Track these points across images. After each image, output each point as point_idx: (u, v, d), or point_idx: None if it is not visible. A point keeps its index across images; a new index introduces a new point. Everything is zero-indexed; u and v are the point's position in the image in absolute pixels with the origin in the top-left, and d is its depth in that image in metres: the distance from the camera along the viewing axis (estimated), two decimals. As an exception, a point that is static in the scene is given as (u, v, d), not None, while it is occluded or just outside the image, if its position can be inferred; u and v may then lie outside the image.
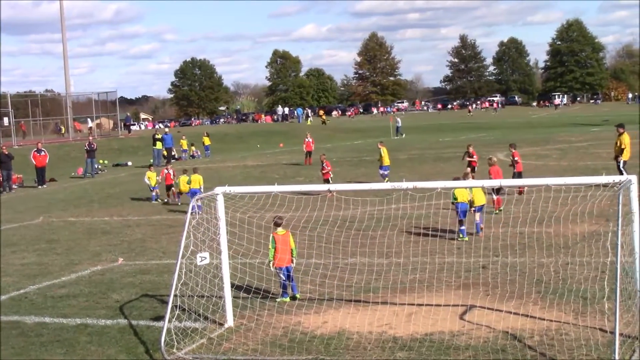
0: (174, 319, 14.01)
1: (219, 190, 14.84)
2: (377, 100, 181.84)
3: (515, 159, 29.71)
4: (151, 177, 35.76)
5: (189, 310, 15.07)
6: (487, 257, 18.72)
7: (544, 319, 13.84)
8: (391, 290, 16.12)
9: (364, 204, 24.82)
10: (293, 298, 16.39)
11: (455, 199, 20.95)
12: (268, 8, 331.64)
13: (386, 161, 36.69)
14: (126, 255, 22.56)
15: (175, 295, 13.92)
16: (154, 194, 35.56)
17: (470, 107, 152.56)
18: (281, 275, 16.39)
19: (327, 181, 25.41)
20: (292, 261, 16.66)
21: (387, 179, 35.25)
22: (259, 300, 15.96)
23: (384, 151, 36.46)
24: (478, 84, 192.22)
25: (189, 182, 31.45)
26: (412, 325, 13.96)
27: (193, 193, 28.63)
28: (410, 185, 13.98)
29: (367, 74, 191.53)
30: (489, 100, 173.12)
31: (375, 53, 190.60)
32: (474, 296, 15.49)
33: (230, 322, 14.86)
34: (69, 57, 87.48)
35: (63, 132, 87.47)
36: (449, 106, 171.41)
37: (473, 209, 21.22)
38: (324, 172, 32.11)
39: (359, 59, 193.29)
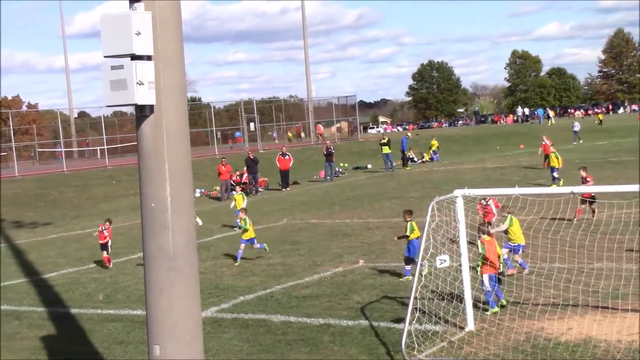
0: (414, 321, 14.02)
1: (458, 192, 14.72)
2: (623, 99, 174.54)
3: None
4: None
5: (429, 312, 15.01)
6: None
7: None
8: (641, 297, 15.37)
9: (610, 206, 23.82)
10: (502, 306, 15.93)
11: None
12: (508, 8, 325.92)
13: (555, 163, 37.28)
14: (366, 257, 22.85)
15: (415, 298, 13.92)
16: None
17: None
18: (486, 284, 15.97)
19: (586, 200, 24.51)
20: (499, 268, 16.31)
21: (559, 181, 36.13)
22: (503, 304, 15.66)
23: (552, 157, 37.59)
24: None
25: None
26: (664, 334, 13.23)
27: None
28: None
29: (613, 71, 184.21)
30: None
31: (621, 50, 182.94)
32: None
33: (471, 325, 14.70)
34: (311, 62, 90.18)
35: (304, 136, 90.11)
36: None
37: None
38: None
39: (603, 57, 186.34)
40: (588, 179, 26.63)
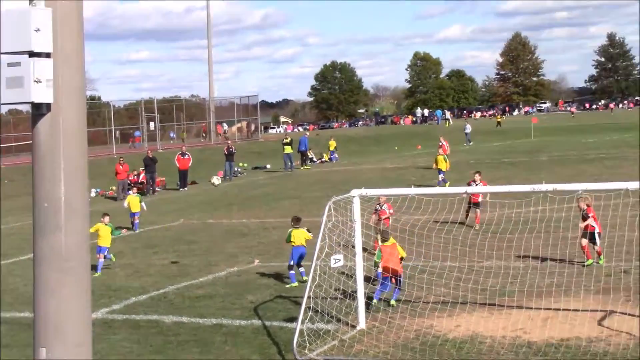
0: (306, 321, 14.08)
1: (355, 192, 14.85)
2: (518, 101, 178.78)
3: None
4: None
5: (322, 312, 15.10)
6: (629, 262, 18.04)
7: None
8: (527, 294, 15.76)
9: (501, 206, 24.37)
10: (391, 306, 16.22)
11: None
12: (412, 10, 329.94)
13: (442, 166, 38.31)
14: (262, 257, 22.86)
15: (309, 297, 13.99)
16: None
17: (611, 106, 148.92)
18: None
19: (476, 204, 24.91)
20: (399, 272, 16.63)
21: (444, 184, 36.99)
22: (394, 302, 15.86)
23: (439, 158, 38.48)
24: (625, 83, 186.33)
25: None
26: (547, 330, 13.61)
27: None
28: (550, 187, 13.66)
29: (510, 74, 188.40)
30: (636, 100, 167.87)
31: (518, 53, 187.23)
32: (614, 302, 14.95)
33: (362, 324, 14.84)
34: (215, 62, 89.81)
35: (205, 136, 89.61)
36: (594, 106, 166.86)
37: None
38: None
39: (501, 60, 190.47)
40: (482, 184, 27.06)
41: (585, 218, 18.77)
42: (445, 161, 38.93)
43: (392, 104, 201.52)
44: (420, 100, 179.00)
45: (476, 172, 26.54)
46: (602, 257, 18.78)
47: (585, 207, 18.59)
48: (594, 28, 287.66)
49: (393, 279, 16.37)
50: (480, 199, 24.84)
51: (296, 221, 19.63)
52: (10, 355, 15.05)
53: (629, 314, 14.23)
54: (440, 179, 38.03)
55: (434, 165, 39.28)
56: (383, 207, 21.76)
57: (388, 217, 21.67)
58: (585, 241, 18.68)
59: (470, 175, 25.77)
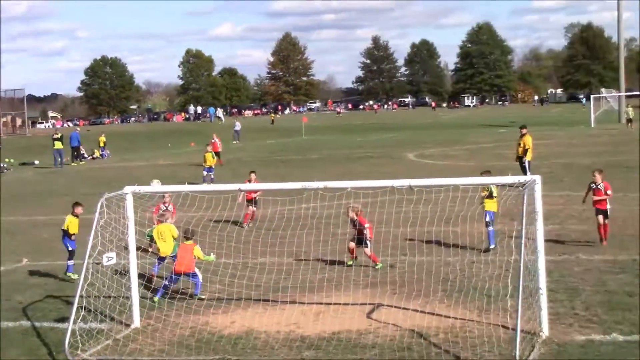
0: (79, 320, 13.79)
1: (128, 189, 14.68)
2: (289, 100, 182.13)
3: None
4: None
5: (95, 311, 14.83)
6: (395, 256, 18.89)
7: (449, 317, 14.08)
8: (300, 290, 16.14)
9: (274, 203, 24.82)
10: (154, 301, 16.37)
11: None
12: (184, 6, 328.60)
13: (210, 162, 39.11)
14: (32, 255, 22.09)
15: (81, 296, 13.70)
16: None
17: (375, 107, 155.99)
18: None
19: (250, 201, 25.11)
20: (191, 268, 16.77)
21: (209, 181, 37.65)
22: (167, 300, 15.80)
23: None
24: (390, 85, 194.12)
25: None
26: (320, 324, 14.05)
27: None
28: (320, 184, 14.07)
29: (280, 73, 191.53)
30: (400, 101, 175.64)
31: (288, 53, 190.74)
32: (382, 295, 15.66)
33: (136, 322, 14.71)
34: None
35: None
36: (361, 107, 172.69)
37: None
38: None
39: (272, 59, 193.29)
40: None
41: (356, 226, 18.77)
42: (214, 158, 39.77)
43: (164, 100, 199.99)
44: (193, 97, 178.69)
45: (251, 172, 26.75)
46: (378, 263, 18.90)
47: (356, 217, 18.85)
48: (360, 31, 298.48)
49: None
50: (255, 196, 25.08)
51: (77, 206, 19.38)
52: None
53: (395, 307, 14.93)
54: (205, 175, 38.49)
55: (204, 163, 39.46)
56: (169, 208, 21.48)
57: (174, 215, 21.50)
58: (353, 244, 19.12)
59: (247, 174, 26.01)
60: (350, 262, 18.92)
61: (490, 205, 19.55)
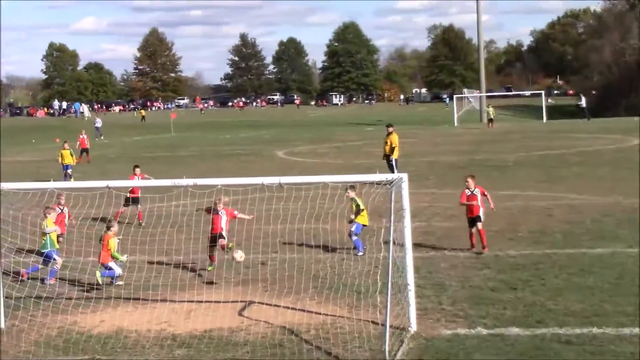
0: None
1: (-6, 186, 14.26)
2: (158, 97, 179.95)
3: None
4: None
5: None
6: (266, 254, 18.98)
7: (320, 313, 14.24)
8: (171, 288, 16.06)
9: (144, 201, 24.56)
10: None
11: None
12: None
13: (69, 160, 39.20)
14: None
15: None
16: None
17: (239, 104, 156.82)
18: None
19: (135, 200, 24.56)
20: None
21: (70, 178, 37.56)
22: (33, 300, 15.42)
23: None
24: (258, 82, 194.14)
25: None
26: (191, 322, 13.99)
27: None
28: (190, 182, 14.00)
29: (148, 69, 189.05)
30: (269, 98, 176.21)
31: (155, 49, 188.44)
32: (253, 292, 15.70)
33: (1, 323, 14.29)
34: None
35: None
36: (230, 104, 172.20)
37: None
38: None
39: (139, 54, 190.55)
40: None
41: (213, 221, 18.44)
42: (72, 155, 39.56)
43: (27, 95, 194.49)
44: (57, 92, 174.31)
45: (135, 167, 25.98)
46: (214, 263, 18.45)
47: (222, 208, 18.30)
48: (227, 28, 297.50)
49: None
50: (139, 194, 24.55)
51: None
52: None
53: (267, 304, 15.01)
54: (66, 173, 38.33)
55: (62, 161, 38.73)
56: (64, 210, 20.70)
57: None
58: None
59: (115, 171, 25.66)
60: (210, 268, 18.28)
61: (360, 219, 19.34)
